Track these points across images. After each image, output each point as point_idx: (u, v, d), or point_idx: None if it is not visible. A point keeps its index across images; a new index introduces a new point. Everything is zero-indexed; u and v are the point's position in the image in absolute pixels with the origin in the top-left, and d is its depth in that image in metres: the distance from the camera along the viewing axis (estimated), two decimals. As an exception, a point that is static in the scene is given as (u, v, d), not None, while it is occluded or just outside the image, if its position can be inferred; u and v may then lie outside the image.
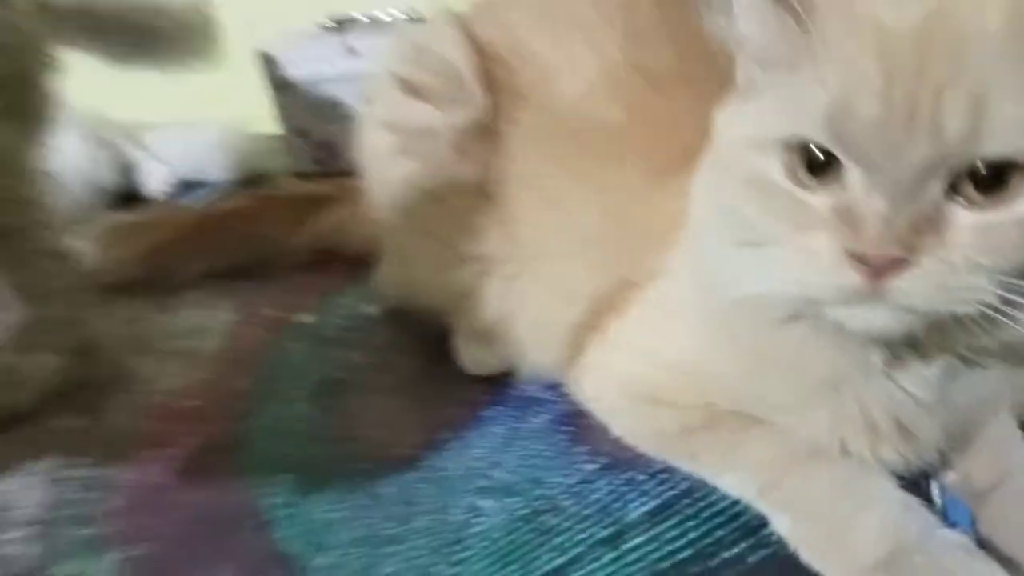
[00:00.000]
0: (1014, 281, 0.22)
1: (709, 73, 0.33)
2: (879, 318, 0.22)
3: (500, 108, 0.36)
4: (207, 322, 0.51)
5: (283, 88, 0.74)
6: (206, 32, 0.67)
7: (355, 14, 0.77)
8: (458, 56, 0.37)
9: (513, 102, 0.36)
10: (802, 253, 0.23)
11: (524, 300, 0.36)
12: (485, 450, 0.35)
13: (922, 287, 0.21)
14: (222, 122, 0.80)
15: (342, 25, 0.77)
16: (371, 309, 0.49)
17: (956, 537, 0.26)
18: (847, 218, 0.22)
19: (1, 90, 0.42)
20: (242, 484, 0.35)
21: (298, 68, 0.73)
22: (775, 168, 0.23)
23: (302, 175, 0.76)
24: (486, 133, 0.36)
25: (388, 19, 0.76)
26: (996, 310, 0.22)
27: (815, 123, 0.22)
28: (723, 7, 0.28)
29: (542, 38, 0.37)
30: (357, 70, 0.70)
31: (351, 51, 0.72)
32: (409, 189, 0.38)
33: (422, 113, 0.36)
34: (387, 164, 0.39)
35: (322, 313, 0.50)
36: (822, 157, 0.22)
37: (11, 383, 0.43)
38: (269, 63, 0.73)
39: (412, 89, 0.37)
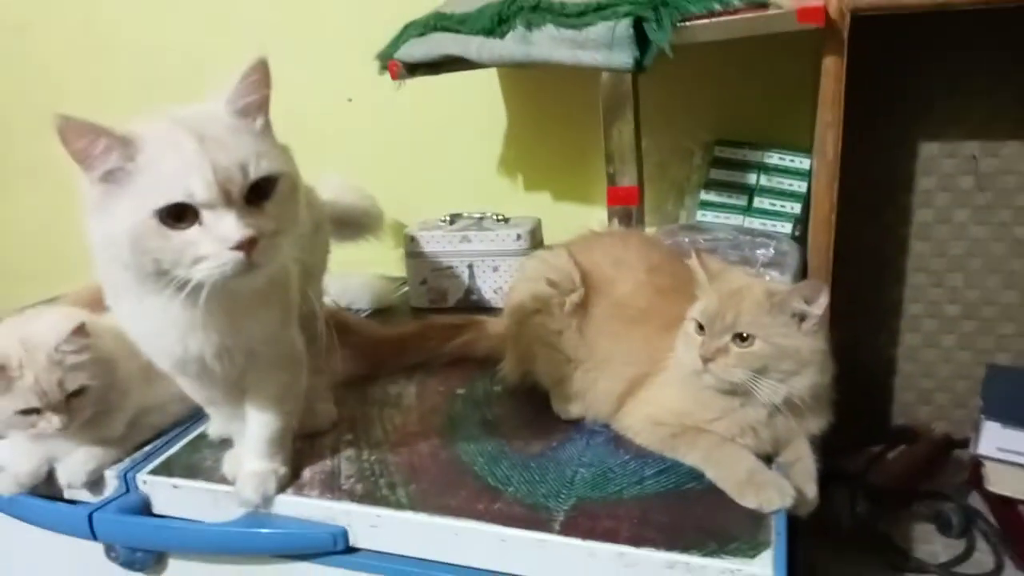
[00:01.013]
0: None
1: (685, 289, 0.77)
2: (713, 383, 0.65)
3: (588, 296, 0.79)
4: (402, 392, 0.91)
5: (415, 255, 1.18)
6: (378, 221, 1.13)
7: (464, 212, 1.23)
8: (570, 267, 0.80)
9: (593, 294, 0.79)
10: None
11: (595, 382, 0.77)
12: (577, 450, 0.75)
13: (722, 373, 0.64)
14: (370, 272, 1.23)
15: (454, 218, 1.22)
16: (497, 387, 0.90)
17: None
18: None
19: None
20: (461, 459, 0.74)
21: (428, 244, 1.17)
22: None
23: (417, 309, 1.19)
24: (582, 306, 0.79)
25: (483, 216, 1.22)
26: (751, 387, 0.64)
27: None
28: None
29: (607, 264, 0.80)
30: (467, 249, 1.15)
31: (465, 239, 1.16)
32: (538, 328, 0.80)
33: (552, 295, 0.79)
34: (528, 314, 0.81)
35: (469, 388, 0.90)
36: None
37: (314, 416, 0.81)
38: (411, 240, 1.17)
39: (551, 284, 0.80)
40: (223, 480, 0.73)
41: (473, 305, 1.17)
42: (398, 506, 0.68)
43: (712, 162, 1.12)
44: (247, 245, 0.53)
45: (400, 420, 0.84)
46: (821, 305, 0.65)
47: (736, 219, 1.10)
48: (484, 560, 0.65)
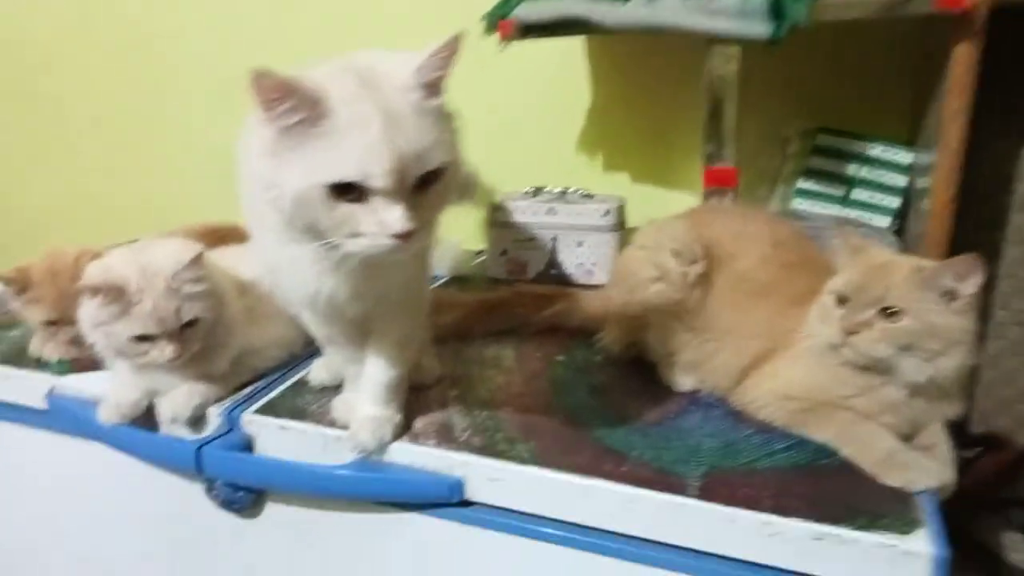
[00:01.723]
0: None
1: (812, 265, 0.75)
2: (853, 357, 0.64)
3: (709, 267, 0.78)
4: (499, 354, 0.89)
5: (499, 224, 1.16)
6: (475, 188, 1.12)
7: (547, 186, 1.21)
8: (692, 237, 0.79)
9: (715, 265, 0.78)
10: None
11: (714, 354, 0.76)
12: (696, 421, 0.73)
13: (866, 347, 0.62)
14: (450, 240, 1.22)
15: (537, 191, 1.21)
16: (598, 357, 0.88)
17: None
18: None
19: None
20: (575, 422, 0.73)
21: (513, 214, 1.16)
22: None
23: (495, 280, 1.17)
24: (703, 277, 0.77)
25: (565, 191, 1.20)
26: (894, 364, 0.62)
27: None
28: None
29: (730, 237, 0.79)
30: (553, 222, 1.14)
31: (551, 211, 1.15)
32: (655, 297, 0.79)
33: (677, 265, 0.78)
34: (644, 283, 0.80)
35: (568, 356, 0.88)
36: None
37: (420, 370, 0.80)
38: (496, 208, 1.16)
39: (676, 253, 0.78)
40: (332, 425, 0.72)
41: (553, 279, 1.15)
42: (520, 461, 0.66)
43: (813, 150, 1.10)
44: (405, 236, 0.53)
45: (503, 381, 0.82)
46: (974, 283, 0.63)
47: (832, 210, 1.08)
48: (611, 522, 0.63)
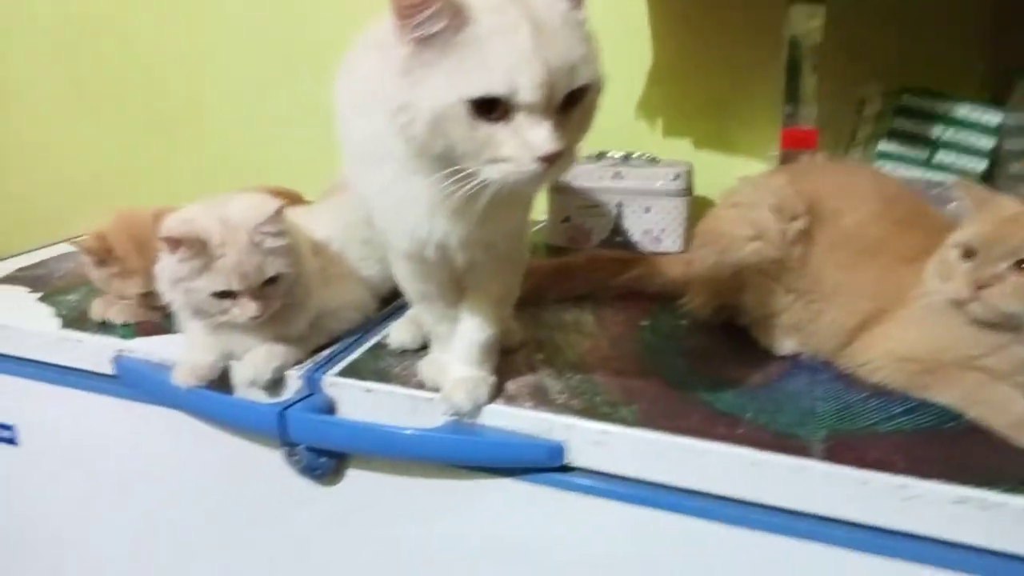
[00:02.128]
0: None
1: (924, 222, 0.72)
2: (982, 313, 0.60)
3: (812, 224, 0.74)
4: (579, 319, 0.86)
5: (561, 190, 1.13)
6: None
7: (609, 151, 1.18)
8: (792, 193, 0.75)
9: (818, 222, 0.74)
10: None
11: (819, 315, 0.72)
12: (802, 384, 0.70)
13: (999, 302, 0.59)
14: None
15: (600, 156, 1.17)
16: (684, 321, 0.85)
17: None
18: None
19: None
20: (676, 385, 0.69)
21: (576, 179, 1.12)
22: None
23: (555, 248, 1.14)
24: (806, 234, 0.74)
25: (629, 156, 1.16)
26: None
27: None
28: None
29: (833, 193, 0.75)
30: (619, 187, 1.10)
31: (618, 175, 1.11)
32: (752, 256, 0.75)
33: (776, 222, 0.74)
34: (739, 242, 0.76)
35: (652, 320, 0.85)
36: None
37: (505, 333, 0.77)
38: (560, 173, 1.12)
39: (776, 209, 0.74)
40: (420, 387, 0.69)
41: (618, 247, 1.11)
42: (626, 423, 0.63)
43: (896, 111, 1.06)
44: (550, 158, 0.49)
45: (589, 345, 0.79)
46: (1116, 236, 0.60)
47: (915, 173, 1.04)
48: (727, 486, 0.60)
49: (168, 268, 0.69)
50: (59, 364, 0.84)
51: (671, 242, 1.09)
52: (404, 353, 0.76)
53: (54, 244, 1.17)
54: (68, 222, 1.23)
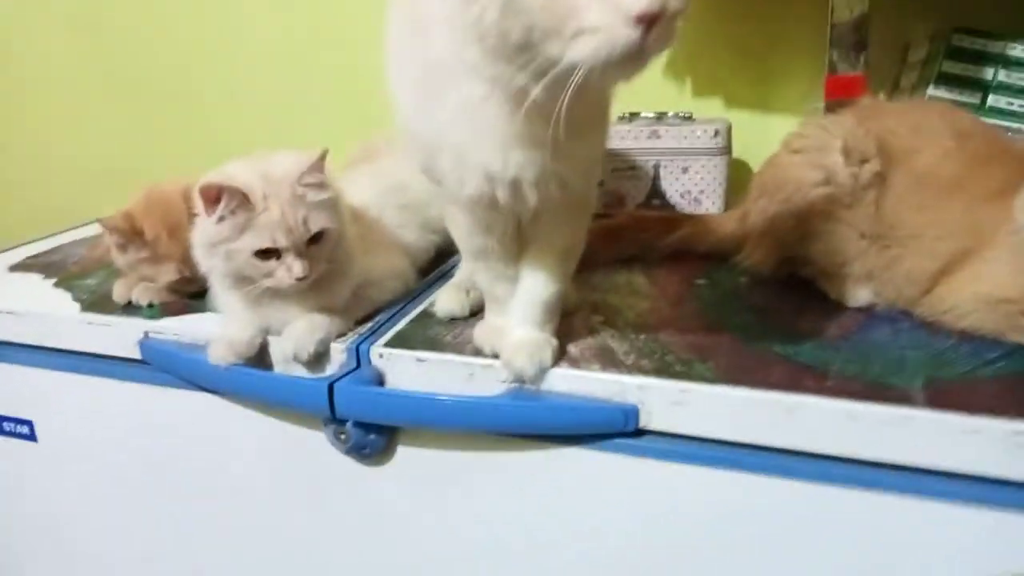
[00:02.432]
0: None
1: (1004, 157, 0.67)
2: None
3: (884, 165, 0.70)
4: (630, 281, 0.82)
5: (593, 153, 1.08)
6: None
7: (642, 111, 1.13)
8: (861, 134, 0.71)
9: (890, 163, 0.70)
10: None
11: (896, 261, 0.68)
12: (885, 334, 0.66)
13: None
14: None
15: (633, 116, 1.12)
16: (743, 278, 0.81)
17: None
18: None
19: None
20: (750, 340, 0.65)
21: (611, 140, 1.08)
22: None
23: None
24: (878, 176, 0.70)
25: (662, 115, 1.12)
26: None
27: None
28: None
29: (903, 132, 0.71)
30: (655, 147, 1.06)
31: (654, 134, 1.07)
32: (821, 202, 0.71)
33: (846, 165, 0.70)
34: (804, 188, 0.72)
35: (709, 279, 0.81)
36: None
37: (564, 298, 0.72)
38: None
39: (846, 151, 0.70)
40: (477, 354, 0.65)
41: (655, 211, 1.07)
42: (705, 381, 0.59)
43: (946, 53, 1.01)
44: (649, 20, 0.42)
45: (647, 306, 0.75)
46: None
47: (966, 119, 1.00)
48: (823, 442, 0.55)
49: (206, 230, 0.65)
50: (79, 351, 0.79)
51: (711, 204, 1.05)
52: (453, 322, 0.72)
53: (65, 231, 1.13)
54: (78, 211, 1.20)
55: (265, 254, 0.64)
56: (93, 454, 0.84)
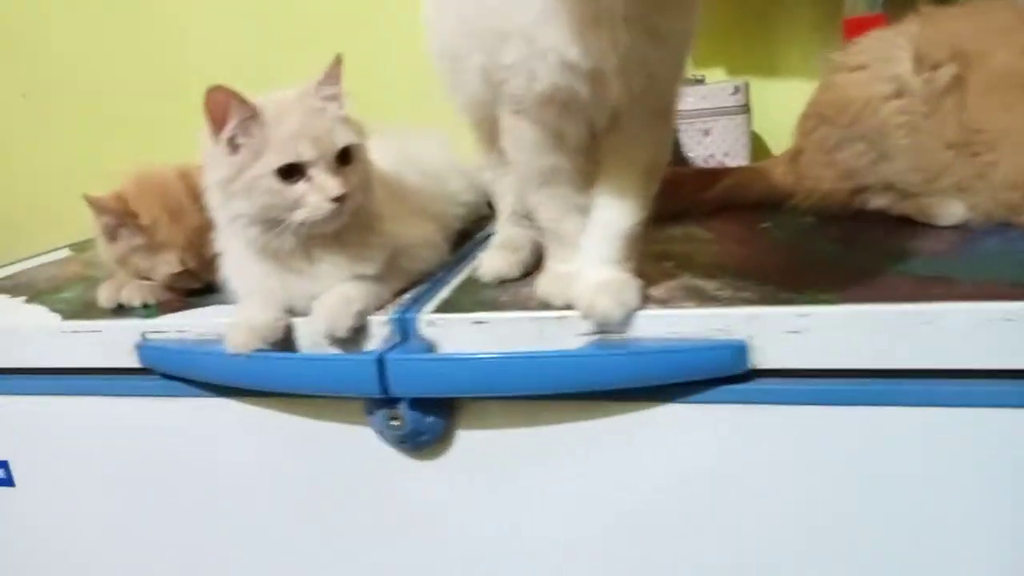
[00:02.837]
0: None
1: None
2: None
3: (963, 69, 0.64)
4: (688, 232, 0.74)
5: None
6: None
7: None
8: (929, 40, 0.65)
9: (966, 65, 0.64)
10: None
11: (989, 168, 0.62)
12: (993, 246, 0.59)
13: None
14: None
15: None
16: (808, 218, 0.74)
17: None
18: None
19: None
20: (857, 264, 0.58)
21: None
22: None
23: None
24: (957, 80, 0.64)
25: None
26: None
27: None
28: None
29: (973, 32, 0.66)
30: (700, 105, 0.99)
31: (704, 98, 1.01)
32: (895, 117, 0.65)
33: (917, 73, 0.64)
34: (874, 105, 0.66)
35: (774, 223, 0.74)
36: None
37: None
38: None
39: (916, 59, 0.65)
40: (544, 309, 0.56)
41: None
42: (825, 303, 0.51)
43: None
44: None
45: (717, 249, 0.67)
46: None
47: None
48: (974, 355, 0.48)
49: (219, 165, 0.56)
50: (60, 368, 0.68)
51: (737, 165, 0.99)
52: (502, 284, 0.63)
53: (26, 259, 1.01)
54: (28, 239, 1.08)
55: (290, 175, 0.55)
56: (83, 493, 0.72)
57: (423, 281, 0.66)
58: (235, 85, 0.55)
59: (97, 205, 0.65)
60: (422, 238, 0.67)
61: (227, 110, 0.54)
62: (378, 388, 0.55)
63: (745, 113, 0.99)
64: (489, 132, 0.61)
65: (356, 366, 0.56)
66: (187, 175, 0.67)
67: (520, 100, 0.50)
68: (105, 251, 0.69)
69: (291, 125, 0.55)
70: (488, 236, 0.73)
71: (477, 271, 0.65)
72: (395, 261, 0.63)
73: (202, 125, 0.56)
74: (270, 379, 0.59)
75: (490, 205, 0.82)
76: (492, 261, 0.64)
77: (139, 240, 0.67)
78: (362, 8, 1.22)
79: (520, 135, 0.53)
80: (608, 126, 0.51)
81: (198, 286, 0.70)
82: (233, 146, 0.55)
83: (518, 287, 0.62)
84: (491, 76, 0.52)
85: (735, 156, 0.99)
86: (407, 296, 0.63)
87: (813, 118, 0.73)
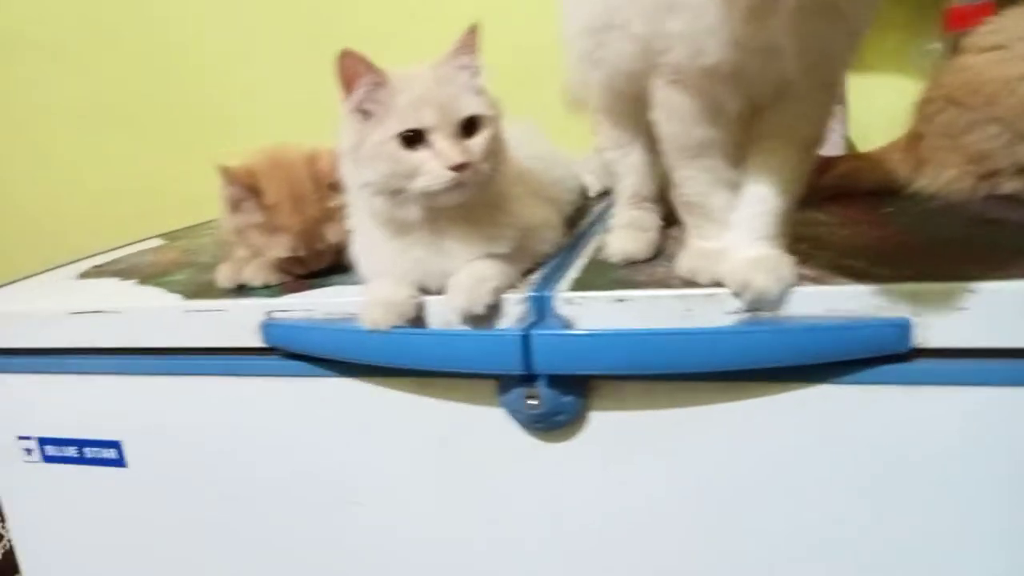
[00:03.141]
0: None
1: None
2: None
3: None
4: (809, 217, 0.71)
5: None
6: None
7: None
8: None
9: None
10: None
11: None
12: None
13: None
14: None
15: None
16: (934, 203, 0.72)
17: None
18: None
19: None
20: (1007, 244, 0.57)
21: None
22: None
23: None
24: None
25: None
26: None
27: None
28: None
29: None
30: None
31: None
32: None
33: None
34: (1014, 84, 0.64)
35: (897, 208, 0.72)
36: None
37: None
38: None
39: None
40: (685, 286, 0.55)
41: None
42: (997, 278, 0.49)
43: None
44: None
45: (849, 232, 0.66)
46: None
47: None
48: None
49: (350, 131, 0.57)
50: (180, 347, 0.69)
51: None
52: (633, 265, 0.63)
53: (112, 249, 1.01)
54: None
55: (412, 143, 0.54)
56: (198, 475, 0.72)
57: (544, 264, 0.66)
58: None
59: (228, 175, 0.65)
60: (545, 220, 0.67)
61: (356, 75, 0.55)
62: (521, 364, 0.55)
63: (841, 103, 0.98)
64: (625, 107, 0.61)
65: (500, 342, 0.55)
66: (314, 160, 0.67)
67: (680, 70, 0.50)
68: (226, 221, 0.69)
69: (416, 91, 0.55)
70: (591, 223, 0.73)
71: (604, 251, 0.65)
72: (524, 241, 0.63)
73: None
74: (408, 356, 0.58)
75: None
76: (621, 241, 0.63)
77: (259, 217, 0.67)
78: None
79: (675, 106, 0.52)
80: (772, 98, 0.50)
81: (302, 273, 0.70)
82: (363, 113, 0.56)
83: (651, 267, 0.62)
84: (651, 45, 0.51)
85: (833, 147, 0.98)
86: (535, 276, 0.62)
87: (937, 102, 0.71)
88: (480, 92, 0.58)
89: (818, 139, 0.54)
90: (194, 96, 1.42)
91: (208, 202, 0.74)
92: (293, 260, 0.69)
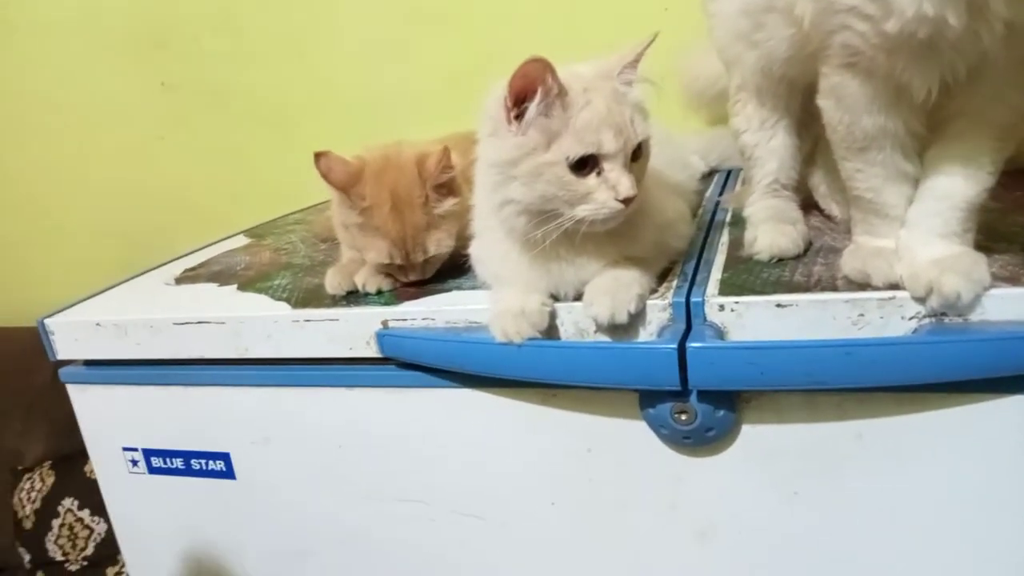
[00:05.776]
0: None
1: None
2: None
3: None
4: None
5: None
6: None
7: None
8: None
9: None
10: None
11: None
12: None
13: None
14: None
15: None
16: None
17: None
18: None
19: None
20: None
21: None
22: None
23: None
24: None
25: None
26: None
27: None
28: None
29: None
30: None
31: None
32: None
33: None
34: None
35: None
36: None
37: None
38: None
39: None
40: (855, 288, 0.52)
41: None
42: None
43: None
44: None
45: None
46: None
47: None
48: None
49: (503, 145, 0.52)
50: (289, 358, 0.68)
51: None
52: (781, 263, 0.59)
53: (196, 251, 1.01)
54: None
55: (582, 167, 0.51)
56: (308, 488, 0.72)
57: (677, 261, 0.63)
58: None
59: (323, 167, 0.63)
60: (679, 213, 0.64)
61: (535, 85, 0.50)
62: (677, 380, 0.52)
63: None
64: (776, 88, 0.57)
65: (651, 356, 0.53)
66: (423, 161, 0.65)
67: (857, 50, 0.45)
68: (338, 213, 0.68)
69: (596, 111, 0.51)
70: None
71: (750, 247, 0.61)
72: (660, 238, 0.60)
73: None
74: (545, 370, 0.56)
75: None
76: (771, 237, 0.60)
77: (358, 217, 0.65)
78: None
79: (846, 92, 0.48)
80: (966, 77, 0.46)
81: (409, 281, 0.68)
82: (523, 124, 0.51)
83: (805, 265, 0.58)
84: (821, 24, 0.47)
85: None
86: (666, 279, 0.59)
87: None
88: (646, 113, 0.54)
89: (1017, 125, 0.49)
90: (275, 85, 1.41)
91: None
92: (390, 267, 0.67)
